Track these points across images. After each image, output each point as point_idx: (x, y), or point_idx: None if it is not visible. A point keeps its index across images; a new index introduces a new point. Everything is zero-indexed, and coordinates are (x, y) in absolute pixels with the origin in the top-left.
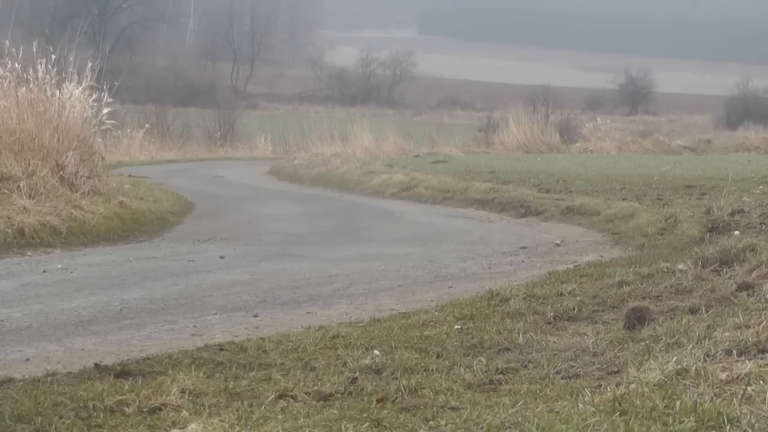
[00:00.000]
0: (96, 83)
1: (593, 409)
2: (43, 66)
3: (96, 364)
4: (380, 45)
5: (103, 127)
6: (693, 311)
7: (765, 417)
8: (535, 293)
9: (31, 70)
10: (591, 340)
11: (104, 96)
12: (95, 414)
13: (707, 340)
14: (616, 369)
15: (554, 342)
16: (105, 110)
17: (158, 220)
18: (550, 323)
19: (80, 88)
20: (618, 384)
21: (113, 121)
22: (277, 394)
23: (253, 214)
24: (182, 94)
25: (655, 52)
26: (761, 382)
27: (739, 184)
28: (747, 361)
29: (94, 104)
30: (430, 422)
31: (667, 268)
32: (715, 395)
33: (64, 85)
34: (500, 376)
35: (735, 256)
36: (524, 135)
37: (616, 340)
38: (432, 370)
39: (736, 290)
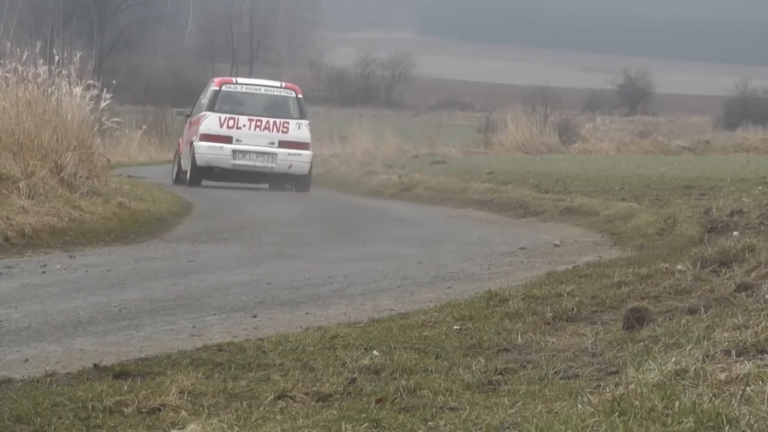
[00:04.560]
0: (94, 82)
1: (592, 409)
2: (42, 66)
3: (95, 365)
4: (379, 46)
5: (104, 126)
6: (692, 312)
7: (764, 417)
8: (534, 294)
9: (30, 71)
10: (590, 341)
11: (103, 94)
12: (94, 414)
13: (706, 340)
14: (614, 369)
15: (553, 342)
16: (103, 103)
17: (157, 220)
18: (548, 324)
19: (78, 88)
20: (617, 384)
21: (117, 119)
22: (276, 394)
23: (252, 215)
24: (181, 94)
25: (654, 53)
26: (760, 382)
27: (738, 184)
28: (746, 361)
29: (92, 103)
30: (429, 423)
31: (666, 268)
32: (714, 396)
33: (62, 84)
34: (499, 376)
35: (734, 257)
36: (523, 135)
37: (615, 340)
38: (431, 371)
39: (735, 291)
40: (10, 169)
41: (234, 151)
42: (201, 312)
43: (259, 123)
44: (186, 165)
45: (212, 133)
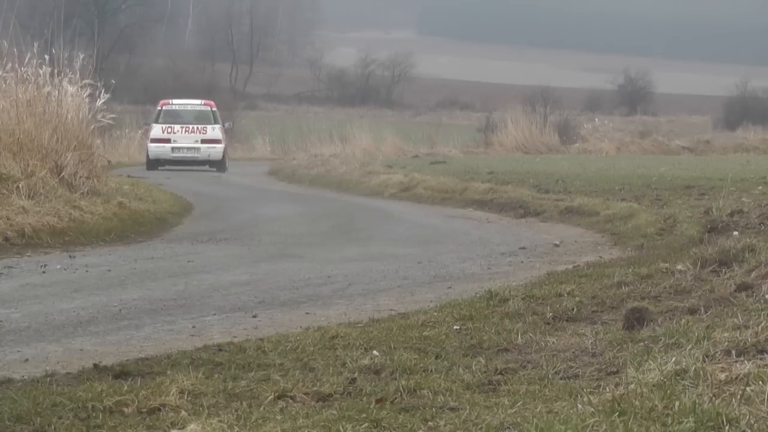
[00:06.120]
0: (93, 81)
1: (592, 409)
2: (42, 66)
3: (95, 365)
4: (379, 46)
5: (100, 124)
6: (692, 312)
7: (764, 417)
8: (534, 294)
9: (30, 71)
10: (590, 341)
11: (100, 93)
12: (94, 414)
13: (706, 340)
14: (615, 369)
15: (553, 342)
16: (99, 101)
17: (157, 220)
18: (549, 324)
19: (76, 87)
20: (617, 384)
21: (112, 115)
22: (276, 394)
23: (252, 215)
24: (181, 94)
25: (655, 53)
26: (760, 382)
27: (738, 184)
28: (746, 361)
29: (89, 100)
30: (429, 423)
31: (666, 268)
32: (714, 396)
33: (62, 84)
34: (499, 376)
35: (734, 257)
36: (523, 135)
37: (615, 340)
38: (431, 371)
39: (735, 291)
40: (10, 169)
41: (172, 148)
42: (201, 312)
43: (187, 129)
44: (146, 157)
45: (158, 137)
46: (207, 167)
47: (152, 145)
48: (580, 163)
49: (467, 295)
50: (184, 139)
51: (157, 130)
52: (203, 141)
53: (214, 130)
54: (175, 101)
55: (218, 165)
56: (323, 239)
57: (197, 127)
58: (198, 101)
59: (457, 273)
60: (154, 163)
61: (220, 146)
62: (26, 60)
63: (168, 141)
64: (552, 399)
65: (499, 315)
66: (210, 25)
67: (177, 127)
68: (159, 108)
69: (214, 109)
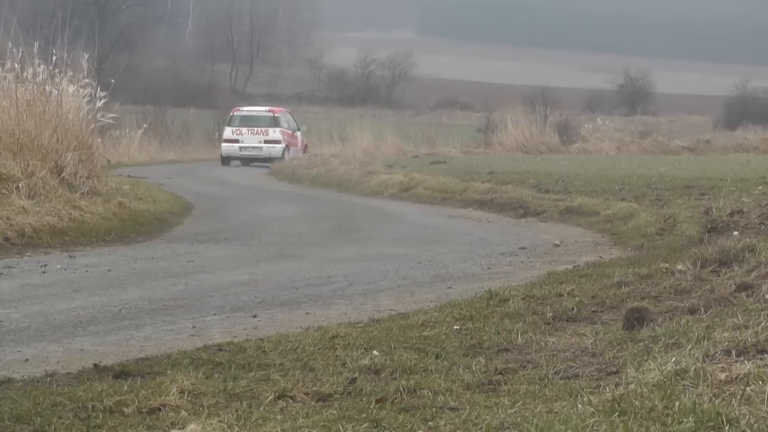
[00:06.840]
0: (93, 81)
1: (592, 409)
2: (42, 66)
3: (95, 365)
4: (379, 45)
5: (100, 123)
6: (692, 312)
7: (764, 417)
8: (534, 294)
9: (30, 70)
10: (590, 341)
11: (98, 92)
12: (94, 414)
13: (706, 340)
14: (615, 369)
15: (553, 342)
16: (99, 102)
17: (157, 220)
18: (549, 324)
19: (75, 87)
20: (617, 384)
21: (113, 115)
22: (276, 394)
23: (252, 215)
24: (181, 94)
25: (655, 53)
26: (760, 382)
27: (738, 184)
28: (746, 361)
29: (88, 100)
30: (429, 423)
31: (666, 268)
32: (714, 396)
33: (62, 84)
34: (499, 376)
35: (734, 257)
36: (523, 135)
37: (615, 340)
38: (431, 371)
39: (735, 291)
40: (10, 169)
41: (240, 147)
42: (201, 312)
43: (253, 131)
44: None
45: (228, 138)
46: (263, 162)
47: (224, 145)
48: (580, 163)
49: (467, 295)
50: (250, 140)
51: (228, 132)
52: (265, 141)
53: (275, 132)
54: (245, 108)
55: (277, 160)
56: (323, 239)
57: (261, 130)
58: (264, 108)
59: (457, 273)
60: (226, 160)
61: (280, 146)
62: (21, 57)
63: (237, 141)
64: (552, 399)
65: (499, 315)
66: (210, 25)
67: (244, 129)
68: (231, 114)
69: (277, 114)
